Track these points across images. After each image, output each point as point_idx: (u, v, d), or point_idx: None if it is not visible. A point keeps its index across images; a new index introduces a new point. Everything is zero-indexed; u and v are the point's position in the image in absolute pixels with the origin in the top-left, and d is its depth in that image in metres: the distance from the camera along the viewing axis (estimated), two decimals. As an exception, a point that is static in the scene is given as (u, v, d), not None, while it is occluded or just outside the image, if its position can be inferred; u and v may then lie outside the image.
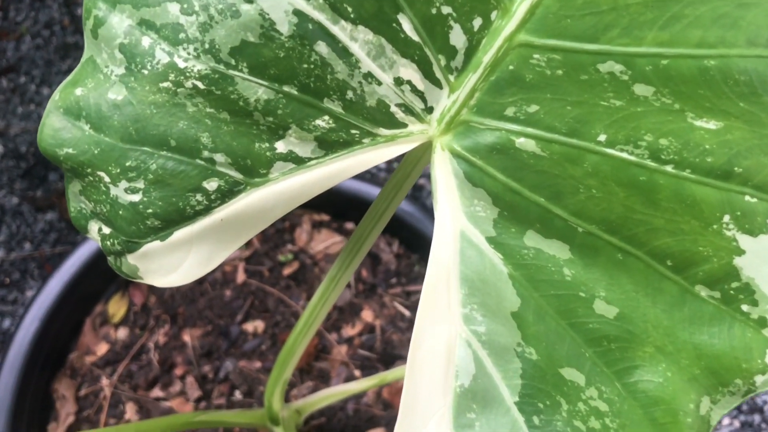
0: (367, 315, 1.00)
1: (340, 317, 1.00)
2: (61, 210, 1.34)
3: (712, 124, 0.34)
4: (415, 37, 0.38)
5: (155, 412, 0.93)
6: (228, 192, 0.39)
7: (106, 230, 0.40)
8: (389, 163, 1.38)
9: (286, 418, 0.73)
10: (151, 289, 1.04)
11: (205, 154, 0.38)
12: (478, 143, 0.39)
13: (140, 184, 0.38)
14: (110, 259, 0.42)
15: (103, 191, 0.39)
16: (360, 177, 0.98)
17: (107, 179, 0.38)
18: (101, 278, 1.01)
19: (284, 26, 0.36)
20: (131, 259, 0.41)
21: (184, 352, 0.97)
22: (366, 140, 0.40)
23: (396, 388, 0.96)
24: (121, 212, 0.39)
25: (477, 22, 0.37)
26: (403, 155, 0.43)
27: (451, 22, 0.37)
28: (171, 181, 0.39)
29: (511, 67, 0.37)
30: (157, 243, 0.40)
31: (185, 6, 0.36)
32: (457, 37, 0.38)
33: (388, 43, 0.38)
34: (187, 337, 0.98)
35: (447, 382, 0.39)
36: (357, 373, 0.96)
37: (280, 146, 0.39)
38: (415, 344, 0.38)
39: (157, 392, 0.95)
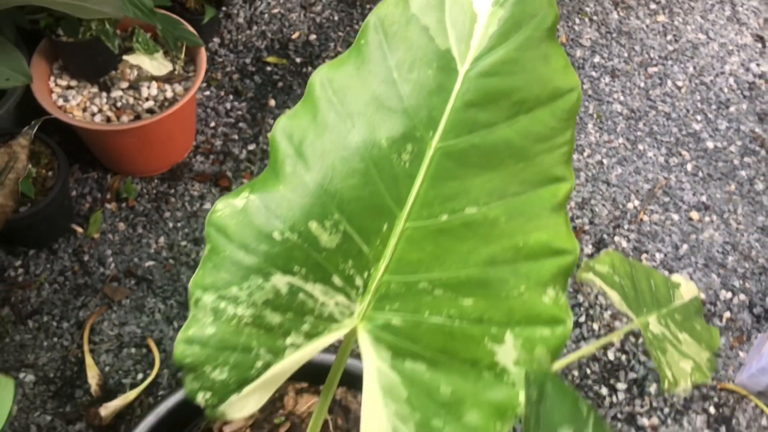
0: (346, 454, 1.33)
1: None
2: (88, 419, 1.64)
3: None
4: (341, 284, 0.73)
5: None
6: (265, 366, 0.76)
7: (208, 395, 0.76)
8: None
9: None
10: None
11: (255, 351, 0.76)
12: (377, 323, 0.74)
13: (225, 368, 0.75)
14: (207, 411, 0.76)
15: (207, 377, 0.75)
16: (325, 351, 1.34)
17: (208, 370, 0.75)
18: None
19: (284, 289, 0.72)
20: (222, 407, 0.76)
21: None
22: (326, 330, 0.76)
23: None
24: (216, 385, 0.75)
25: (365, 275, 0.72)
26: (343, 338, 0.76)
27: (355, 277, 0.73)
28: (241, 365, 0.75)
29: (383, 290, 0.74)
30: (235, 396, 0.76)
31: (241, 286, 0.68)
32: (358, 281, 0.73)
33: (330, 288, 0.72)
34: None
35: None
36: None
37: (288, 341, 0.77)
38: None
39: None
